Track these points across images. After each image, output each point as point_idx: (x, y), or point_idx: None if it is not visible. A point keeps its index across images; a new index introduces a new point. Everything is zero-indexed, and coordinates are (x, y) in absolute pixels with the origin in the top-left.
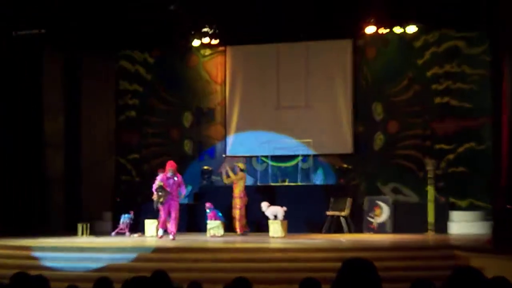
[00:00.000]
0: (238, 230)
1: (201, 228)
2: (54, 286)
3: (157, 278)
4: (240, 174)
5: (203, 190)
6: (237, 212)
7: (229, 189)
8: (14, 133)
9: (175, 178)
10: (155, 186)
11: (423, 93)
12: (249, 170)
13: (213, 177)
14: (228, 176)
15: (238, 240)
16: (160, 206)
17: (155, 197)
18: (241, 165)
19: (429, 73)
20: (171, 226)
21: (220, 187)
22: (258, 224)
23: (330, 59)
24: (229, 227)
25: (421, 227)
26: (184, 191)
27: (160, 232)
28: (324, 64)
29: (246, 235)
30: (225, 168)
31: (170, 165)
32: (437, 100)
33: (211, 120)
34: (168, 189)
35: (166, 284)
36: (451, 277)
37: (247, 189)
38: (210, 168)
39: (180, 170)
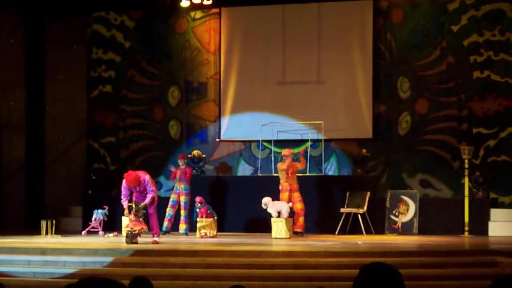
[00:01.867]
0: (299, 229)
1: (190, 226)
2: None
3: (138, 286)
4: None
5: (192, 181)
6: (299, 207)
7: (223, 179)
8: None
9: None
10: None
11: (459, 66)
12: (249, 157)
13: (206, 166)
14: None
15: (235, 242)
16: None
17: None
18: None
19: (466, 42)
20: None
21: (213, 177)
22: (259, 222)
23: (347, 24)
24: (226, 226)
25: (455, 228)
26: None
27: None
28: (340, 30)
29: (303, 237)
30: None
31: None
32: (476, 74)
33: (202, 97)
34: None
35: None
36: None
37: (245, 180)
38: (203, 155)
39: (165, 156)
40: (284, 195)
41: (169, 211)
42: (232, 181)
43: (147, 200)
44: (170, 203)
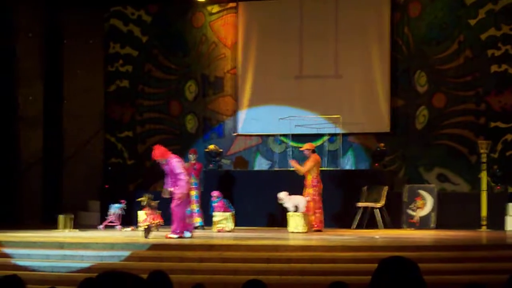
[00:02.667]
0: (315, 225)
1: (206, 221)
2: None
3: (156, 280)
4: (313, 156)
5: (209, 175)
6: (311, 205)
7: (240, 173)
8: None
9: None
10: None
11: (477, 60)
12: (266, 152)
13: (223, 160)
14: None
15: (251, 236)
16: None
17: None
18: (310, 146)
19: (483, 36)
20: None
21: (230, 171)
22: (276, 217)
23: (364, 18)
24: (243, 221)
25: (473, 222)
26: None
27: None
28: (357, 24)
29: (321, 232)
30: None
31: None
32: (494, 68)
33: (219, 92)
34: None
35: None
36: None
37: (262, 174)
38: (220, 150)
39: (182, 150)
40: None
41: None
42: (248, 175)
43: (177, 188)
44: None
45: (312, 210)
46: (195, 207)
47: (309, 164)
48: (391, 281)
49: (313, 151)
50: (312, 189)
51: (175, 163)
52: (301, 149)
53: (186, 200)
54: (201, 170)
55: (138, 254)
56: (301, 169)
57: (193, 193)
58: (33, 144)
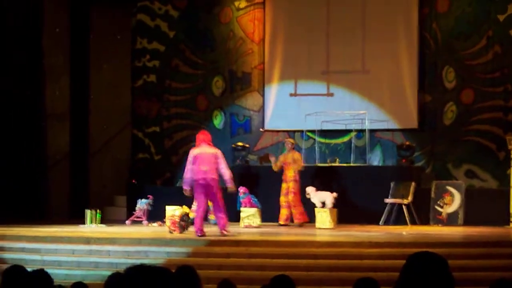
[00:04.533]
0: (297, 219)
1: (233, 217)
2: (56, 284)
3: (184, 274)
4: (297, 152)
5: (236, 171)
6: (290, 198)
7: (267, 169)
8: (7, 101)
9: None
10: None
11: (505, 55)
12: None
13: (250, 156)
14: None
15: (278, 232)
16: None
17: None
18: (293, 140)
19: None
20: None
21: (257, 167)
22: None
23: (392, 13)
24: (270, 216)
25: (501, 219)
26: None
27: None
28: (384, 19)
29: (303, 227)
30: (271, 156)
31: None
32: None
33: (247, 87)
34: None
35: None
36: None
37: None
38: (247, 145)
39: None
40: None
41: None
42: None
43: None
44: None
45: (294, 203)
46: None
47: (301, 159)
48: (419, 276)
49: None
50: (292, 183)
51: (222, 156)
52: (286, 139)
53: None
54: None
55: (165, 250)
56: (299, 166)
57: None
58: (60, 140)
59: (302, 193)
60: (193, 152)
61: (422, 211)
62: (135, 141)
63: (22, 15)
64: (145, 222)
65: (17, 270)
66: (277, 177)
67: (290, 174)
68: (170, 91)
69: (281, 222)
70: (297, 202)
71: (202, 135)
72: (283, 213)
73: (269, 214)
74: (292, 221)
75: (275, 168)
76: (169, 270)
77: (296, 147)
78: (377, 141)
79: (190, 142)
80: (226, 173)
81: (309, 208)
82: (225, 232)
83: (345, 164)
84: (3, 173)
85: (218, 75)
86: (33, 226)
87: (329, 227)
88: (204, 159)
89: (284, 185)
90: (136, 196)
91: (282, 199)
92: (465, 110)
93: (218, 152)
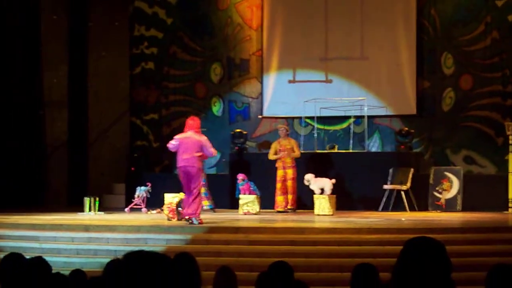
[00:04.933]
0: (291, 205)
1: (232, 203)
2: (55, 271)
3: (182, 261)
4: (293, 140)
5: (234, 158)
6: (289, 184)
7: (265, 156)
8: (6, 90)
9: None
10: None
11: (504, 41)
12: (291, 134)
13: (248, 143)
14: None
15: (277, 219)
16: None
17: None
18: (287, 127)
19: (511, 17)
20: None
21: (255, 154)
22: (301, 199)
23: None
24: (269, 203)
25: (499, 204)
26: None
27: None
28: (383, 6)
29: (294, 213)
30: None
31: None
32: None
33: (245, 74)
34: None
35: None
36: None
37: None
38: (245, 132)
39: (207, 133)
40: None
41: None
42: None
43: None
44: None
45: (293, 189)
46: (203, 190)
47: (297, 146)
48: (417, 261)
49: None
50: (291, 170)
51: (207, 142)
52: (280, 126)
53: None
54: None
55: (164, 237)
56: (297, 154)
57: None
58: (58, 127)
59: (298, 180)
60: (179, 136)
61: (421, 197)
62: (133, 128)
63: (19, 3)
64: (144, 209)
65: (15, 257)
66: (275, 163)
67: (288, 161)
68: (169, 78)
69: (279, 209)
70: (295, 189)
71: (191, 121)
72: (280, 200)
73: (268, 200)
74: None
75: (273, 157)
76: (168, 257)
77: (294, 134)
78: (375, 128)
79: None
80: (211, 152)
81: (308, 195)
82: (186, 217)
83: (343, 151)
84: (2, 161)
85: (217, 62)
86: (32, 214)
87: (328, 213)
88: (188, 147)
89: (280, 172)
90: (135, 183)
91: (279, 186)
92: (463, 96)
93: (202, 139)
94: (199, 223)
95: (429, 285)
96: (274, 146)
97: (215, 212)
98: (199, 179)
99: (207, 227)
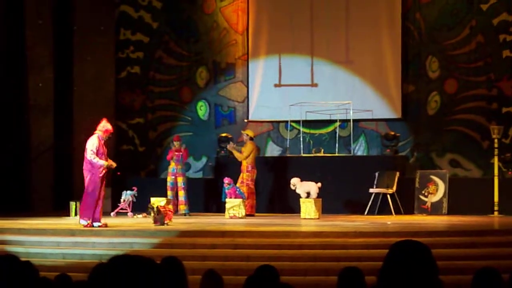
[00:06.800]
0: (247, 210)
1: (219, 207)
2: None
3: (169, 265)
4: (252, 143)
5: (220, 162)
6: (244, 190)
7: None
8: None
9: None
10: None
11: (489, 44)
12: (277, 138)
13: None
14: (239, 152)
15: (263, 223)
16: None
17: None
18: (250, 132)
19: (495, 21)
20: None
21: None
22: (287, 203)
23: (375, 4)
24: (256, 207)
25: (485, 208)
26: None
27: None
28: (368, 10)
29: (253, 217)
30: (231, 145)
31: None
32: (505, 53)
33: (230, 78)
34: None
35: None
36: None
37: (273, 160)
38: (230, 136)
39: (193, 137)
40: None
41: (169, 194)
42: (260, 162)
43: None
44: (169, 185)
45: (247, 194)
46: (182, 194)
47: (247, 151)
48: (402, 264)
49: (251, 139)
50: (246, 174)
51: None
52: (242, 131)
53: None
54: (188, 156)
55: (150, 241)
56: (240, 155)
57: (180, 180)
58: (43, 131)
59: (256, 184)
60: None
61: (407, 201)
62: (119, 133)
63: (4, 7)
64: (130, 213)
65: (8, 259)
66: (262, 167)
67: (244, 164)
68: (154, 82)
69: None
70: (249, 194)
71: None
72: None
73: (255, 204)
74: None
75: (240, 158)
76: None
77: (280, 138)
78: (361, 131)
79: (174, 134)
80: (86, 155)
81: (294, 199)
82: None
83: (329, 154)
84: None
85: (202, 66)
86: (17, 219)
87: (314, 217)
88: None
89: (240, 176)
90: (121, 188)
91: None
92: (448, 99)
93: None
94: (99, 226)
95: None
96: (244, 151)
97: (190, 216)
98: (90, 183)
99: (193, 231)
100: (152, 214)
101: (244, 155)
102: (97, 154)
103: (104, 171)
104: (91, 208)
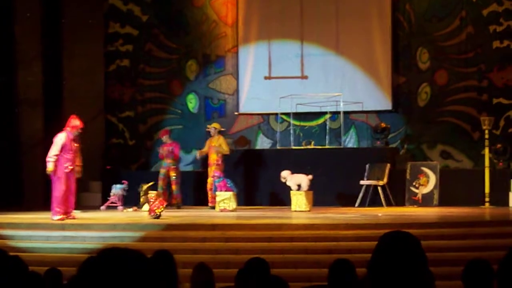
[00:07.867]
0: (210, 203)
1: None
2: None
3: (160, 259)
4: (222, 136)
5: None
6: (209, 181)
7: (242, 153)
8: None
9: None
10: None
11: (479, 35)
12: (267, 130)
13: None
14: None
15: (254, 216)
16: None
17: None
18: (217, 125)
19: (485, 12)
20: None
21: (232, 151)
22: (278, 196)
23: None
24: (247, 200)
25: (476, 199)
26: None
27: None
28: (358, 1)
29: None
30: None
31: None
32: (496, 44)
33: (220, 70)
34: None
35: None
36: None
37: (263, 153)
38: (222, 129)
39: (183, 130)
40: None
41: (160, 184)
42: (250, 154)
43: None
44: (160, 176)
45: (211, 186)
46: (175, 188)
47: (225, 143)
48: (391, 256)
49: (219, 132)
50: (215, 166)
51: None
52: (209, 126)
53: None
54: (179, 151)
55: (140, 235)
56: (226, 150)
57: (172, 173)
58: (33, 126)
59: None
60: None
61: (398, 192)
62: (109, 126)
63: None
64: (120, 207)
65: None
66: (253, 160)
67: (213, 158)
68: (144, 75)
69: (211, 205)
70: (211, 185)
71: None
72: (211, 195)
73: (245, 197)
74: None
75: (198, 154)
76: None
77: (270, 130)
78: (351, 123)
79: (165, 127)
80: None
81: (284, 191)
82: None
83: (320, 147)
84: None
85: (192, 59)
86: (7, 213)
87: (305, 209)
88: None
89: (209, 169)
90: (111, 181)
91: (209, 181)
92: (439, 91)
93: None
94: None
95: (404, 279)
96: (206, 144)
97: (180, 209)
98: (55, 180)
99: (184, 224)
100: (142, 194)
101: (228, 148)
102: (64, 150)
103: (70, 167)
104: (60, 202)
